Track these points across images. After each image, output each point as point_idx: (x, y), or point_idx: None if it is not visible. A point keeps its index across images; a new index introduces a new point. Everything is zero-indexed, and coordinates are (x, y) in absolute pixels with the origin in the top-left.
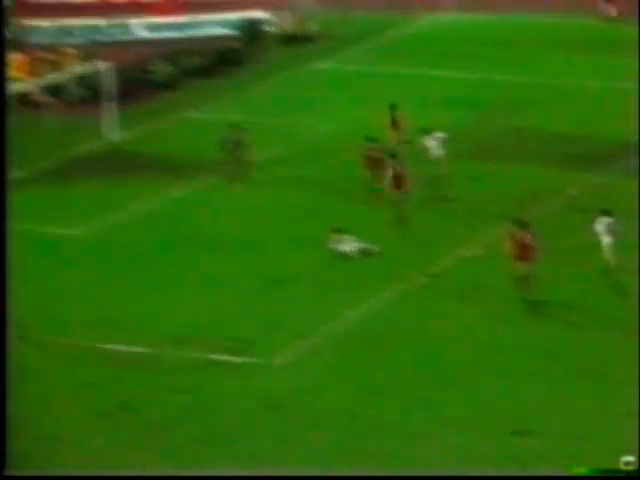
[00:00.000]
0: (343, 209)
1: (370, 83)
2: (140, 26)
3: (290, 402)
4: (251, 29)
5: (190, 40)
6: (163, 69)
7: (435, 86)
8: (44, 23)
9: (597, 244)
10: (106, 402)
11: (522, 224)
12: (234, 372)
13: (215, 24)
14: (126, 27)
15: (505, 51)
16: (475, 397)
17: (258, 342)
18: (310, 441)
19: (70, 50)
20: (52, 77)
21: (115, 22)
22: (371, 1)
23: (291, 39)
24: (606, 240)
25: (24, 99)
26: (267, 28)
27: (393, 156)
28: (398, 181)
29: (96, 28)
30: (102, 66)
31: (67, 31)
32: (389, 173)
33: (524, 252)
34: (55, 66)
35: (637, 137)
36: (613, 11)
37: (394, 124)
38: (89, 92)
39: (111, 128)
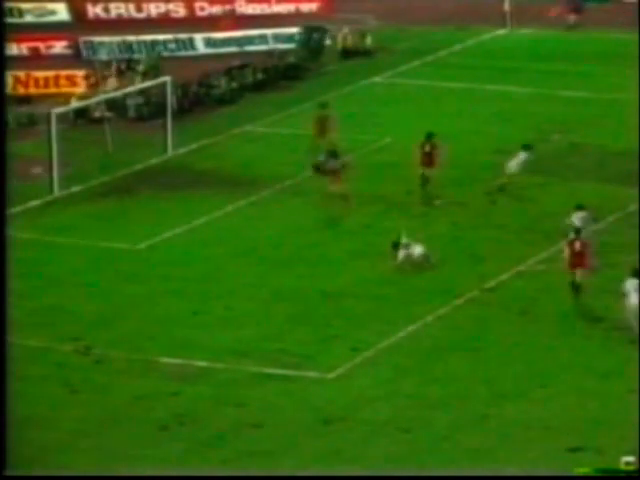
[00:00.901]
0: (399, 223)
1: (427, 97)
2: (200, 41)
3: (344, 416)
4: (310, 44)
5: (249, 55)
6: (223, 84)
7: (491, 101)
8: (105, 39)
9: None
10: (163, 415)
11: (577, 230)
12: (289, 386)
13: (274, 39)
14: (186, 42)
15: (563, 66)
16: (530, 413)
17: (314, 356)
18: (363, 455)
19: (131, 65)
20: (113, 92)
21: (175, 37)
22: (428, 16)
23: (349, 54)
24: None
25: (85, 115)
26: (326, 43)
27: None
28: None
29: (156, 43)
30: (163, 81)
31: (128, 46)
32: None
33: (576, 259)
34: (115, 81)
35: None
36: (572, 18)
37: (427, 153)
38: (150, 107)
39: (171, 143)
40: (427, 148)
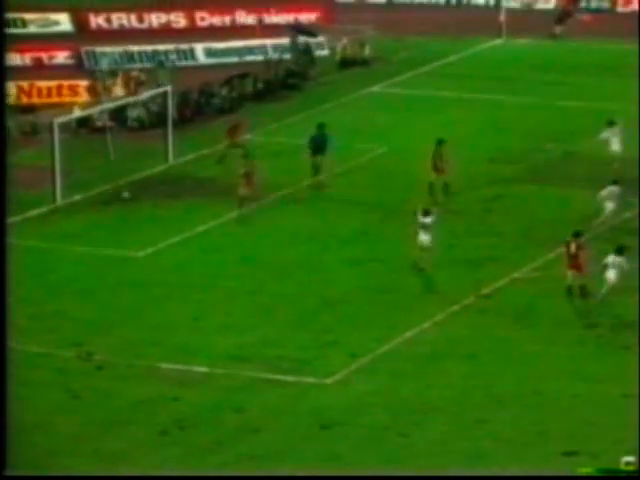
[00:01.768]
0: (396, 231)
1: (423, 107)
2: (201, 51)
3: (343, 421)
4: (308, 54)
5: (249, 64)
6: (223, 93)
7: (487, 110)
8: (107, 49)
9: None
10: (163, 420)
11: (575, 233)
12: (289, 391)
13: (273, 49)
14: (187, 52)
15: (557, 76)
16: (525, 418)
17: (312, 362)
18: (361, 459)
19: (132, 75)
20: (114, 102)
21: (176, 47)
22: (425, 27)
23: (348, 63)
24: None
25: (87, 124)
26: (324, 53)
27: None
28: None
29: (158, 53)
30: (163, 91)
31: (129, 56)
32: None
33: (571, 260)
34: (117, 91)
35: None
36: (558, 29)
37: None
38: (151, 116)
39: (172, 152)
40: (438, 155)
